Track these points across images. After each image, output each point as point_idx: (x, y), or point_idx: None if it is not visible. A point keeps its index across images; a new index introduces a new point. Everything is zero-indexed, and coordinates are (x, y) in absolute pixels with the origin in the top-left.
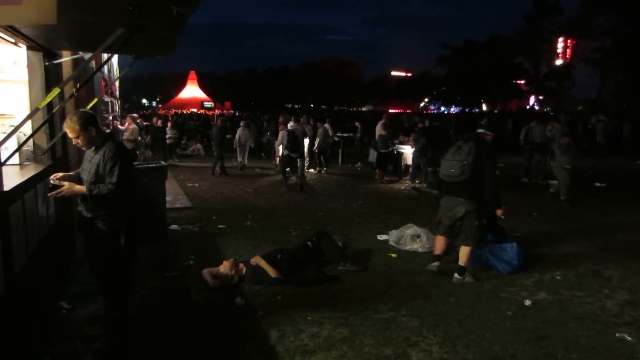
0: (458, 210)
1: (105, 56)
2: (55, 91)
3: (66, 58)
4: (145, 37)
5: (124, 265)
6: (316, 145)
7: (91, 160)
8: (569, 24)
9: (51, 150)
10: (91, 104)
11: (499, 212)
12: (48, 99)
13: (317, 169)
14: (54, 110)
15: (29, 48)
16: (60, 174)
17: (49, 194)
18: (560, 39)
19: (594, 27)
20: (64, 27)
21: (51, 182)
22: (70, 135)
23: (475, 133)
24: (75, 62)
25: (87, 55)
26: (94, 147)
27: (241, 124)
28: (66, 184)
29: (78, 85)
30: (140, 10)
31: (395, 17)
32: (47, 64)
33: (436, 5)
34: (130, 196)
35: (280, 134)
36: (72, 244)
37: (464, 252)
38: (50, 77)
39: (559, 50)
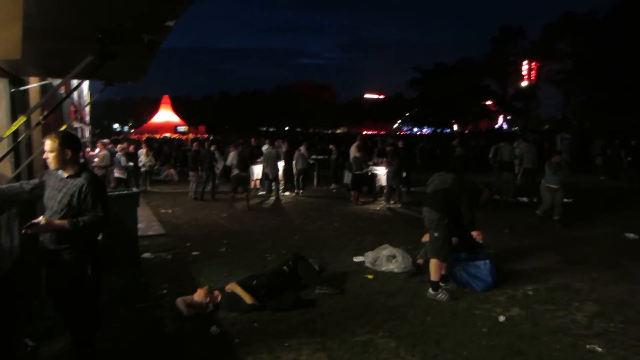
0: (425, 220)
1: (74, 82)
2: (22, 119)
3: (33, 85)
4: (116, 63)
5: (92, 297)
6: (295, 169)
7: (61, 189)
8: (533, 48)
9: (16, 180)
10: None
11: (474, 234)
12: (13, 128)
13: (295, 191)
14: (19, 139)
15: None
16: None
17: (23, 232)
18: (525, 62)
19: (556, 50)
20: (32, 54)
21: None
22: (46, 147)
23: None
24: (43, 89)
25: (56, 82)
26: (65, 175)
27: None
28: (42, 218)
29: (45, 113)
30: (111, 37)
31: (367, 42)
32: (12, 90)
33: (407, 30)
34: (106, 227)
35: (230, 154)
36: (38, 278)
37: (431, 265)
38: (17, 103)
39: (524, 72)
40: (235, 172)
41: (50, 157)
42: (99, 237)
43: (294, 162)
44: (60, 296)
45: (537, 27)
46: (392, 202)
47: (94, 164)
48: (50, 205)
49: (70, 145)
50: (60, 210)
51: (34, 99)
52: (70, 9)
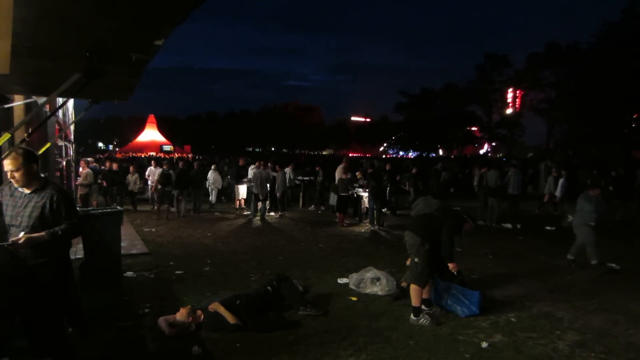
0: (406, 243)
1: (60, 100)
2: (5, 136)
3: (17, 102)
4: (103, 82)
5: (76, 306)
6: (277, 189)
7: (27, 204)
8: (517, 76)
9: None
10: (43, 149)
11: (451, 265)
12: None
13: (279, 213)
14: (2, 156)
15: None
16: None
17: (6, 246)
18: (510, 90)
19: (540, 79)
20: (18, 72)
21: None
22: (9, 167)
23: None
24: (28, 106)
25: (41, 100)
26: (29, 191)
27: (212, 167)
28: (22, 236)
29: (30, 130)
30: (99, 56)
31: (354, 65)
32: None
33: (394, 55)
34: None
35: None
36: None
37: (411, 290)
38: (1, 121)
39: (509, 100)
40: (160, 187)
41: (16, 175)
42: (79, 256)
43: (276, 184)
44: (39, 313)
45: (522, 55)
46: (376, 225)
47: (77, 182)
48: (17, 223)
49: (34, 160)
50: (31, 225)
51: (18, 116)
52: (57, 28)
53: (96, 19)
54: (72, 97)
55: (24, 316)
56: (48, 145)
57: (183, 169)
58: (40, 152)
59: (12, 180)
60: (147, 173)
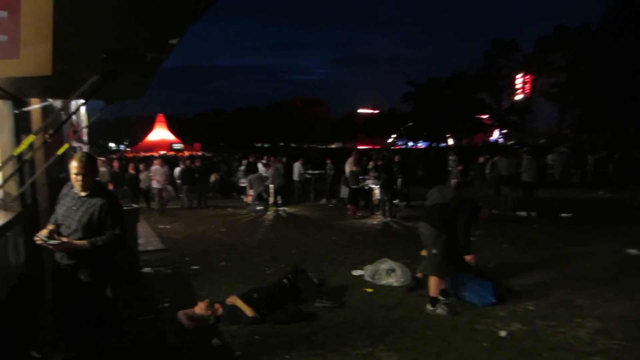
0: (421, 235)
1: (74, 103)
2: (31, 138)
3: (35, 106)
4: (117, 82)
5: (111, 311)
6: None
7: (79, 207)
8: (526, 61)
9: (21, 198)
10: (61, 150)
11: (467, 258)
12: (23, 146)
13: (281, 207)
14: (25, 158)
15: None
16: (45, 232)
17: (40, 243)
18: (519, 75)
19: (550, 63)
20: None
21: (37, 242)
22: (76, 171)
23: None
24: (45, 110)
25: (57, 102)
26: (83, 194)
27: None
28: (64, 239)
29: (50, 132)
30: (115, 57)
31: (359, 57)
32: (16, 112)
33: (398, 45)
34: (123, 245)
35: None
36: (42, 291)
37: (429, 281)
38: (19, 124)
39: (518, 86)
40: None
41: (81, 179)
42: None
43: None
44: (73, 310)
45: (530, 40)
46: (388, 216)
47: None
48: (67, 224)
49: (96, 166)
50: (80, 229)
51: (35, 119)
52: (74, 31)
53: (112, 20)
54: (89, 98)
55: (60, 310)
56: (66, 146)
57: (188, 166)
58: (59, 153)
59: (75, 182)
60: (151, 172)
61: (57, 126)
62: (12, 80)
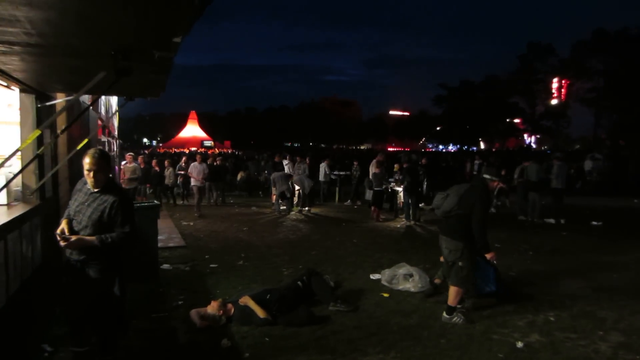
0: (443, 249)
1: (87, 98)
2: (36, 133)
3: (58, 100)
4: (133, 80)
5: (118, 308)
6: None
7: (90, 204)
8: (562, 65)
9: (40, 191)
10: (81, 145)
11: (488, 256)
12: (28, 141)
13: (305, 208)
14: (38, 151)
15: (21, 91)
16: (62, 227)
17: (60, 242)
18: (555, 80)
19: (587, 68)
20: (54, 70)
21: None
22: (88, 167)
23: (480, 178)
24: (69, 104)
25: (82, 97)
26: (95, 190)
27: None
28: (74, 237)
29: (66, 127)
30: (123, 54)
31: (391, 59)
32: (39, 105)
33: (431, 47)
34: (132, 244)
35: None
36: (59, 285)
37: (451, 291)
38: (43, 118)
39: (554, 90)
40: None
41: (93, 175)
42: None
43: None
44: (82, 306)
45: (565, 44)
46: (412, 220)
47: (125, 177)
48: (79, 220)
49: (109, 162)
50: (90, 226)
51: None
52: (82, 28)
53: (113, 16)
54: (103, 94)
55: (68, 304)
56: (86, 141)
57: (211, 164)
58: (79, 147)
59: (87, 178)
60: (189, 169)
61: (77, 120)
62: (33, 74)
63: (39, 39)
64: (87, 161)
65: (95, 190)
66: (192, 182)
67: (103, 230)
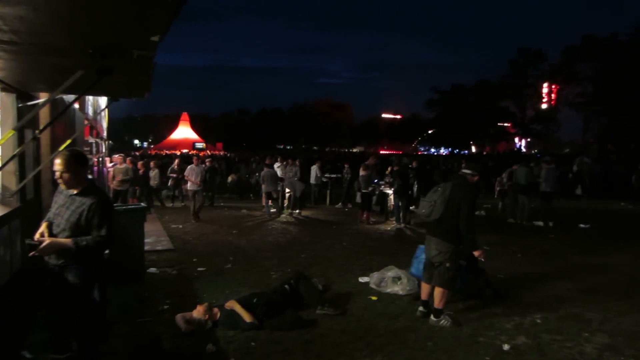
0: (431, 250)
1: (88, 98)
2: (9, 133)
3: (40, 100)
4: (115, 79)
5: (96, 314)
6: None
7: (69, 206)
8: (552, 70)
9: (21, 192)
10: (64, 145)
11: (476, 253)
12: (2, 141)
13: (296, 210)
14: (14, 152)
15: (1, 90)
16: (41, 231)
17: (30, 255)
18: (545, 84)
19: (576, 73)
20: (33, 69)
21: (26, 241)
22: (58, 168)
23: (458, 174)
24: (53, 104)
25: (67, 97)
26: (74, 192)
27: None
28: (47, 239)
29: (44, 127)
30: (101, 53)
31: (385, 62)
32: (20, 105)
33: (424, 51)
34: (109, 247)
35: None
36: (41, 290)
37: (436, 293)
38: (24, 118)
39: (544, 95)
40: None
41: (64, 177)
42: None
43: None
44: (62, 311)
45: (556, 49)
46: (402, 223)
47: (117, 179)
48: (57, 222)
49: (83, 163)
50: (68, 229)
51: (43, 113)
52: (56, 25)
53: (88, 14)
54: (84, 94)
55: (47, 310)
56: (69, 141)
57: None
58: (61, 148)
59: (59, 180)
60: (186, 172)
61: (64, 120)
62: (11, 73)
63: (13, 36)
64: (57, 162)
65: (74, 192)
66: (189, 185)
67: (81, 234)
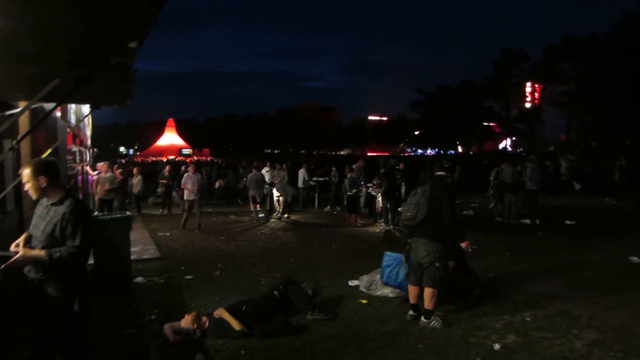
0: (420, 251)
1: (73, 107)
2: None
3: (17, 109)
4: (95, 87)
5: (78, 330)
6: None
7: (44, 217)
8: (535, 70)
9: (1, 204)
10: (45, 154)
11: (463, 244)
12: None
13: (284, 215)
14: None
15: None
16: (17, 243)
17: (1, 267)
18: (528, 84)
19: (558, 72)
20: (8, 77)
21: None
22: (23, 179)
23: (433, 176)
24: (34, 112)
25: (48, 105)
26: (50, 203)
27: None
28: (20, 250)
29: (21, 137)
30: (78, 60)
31: (370, 65)
32: None
33: (408, 53)
34: (87, 258)
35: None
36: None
37: (427, 294)
38: (1, 127)
39: (527, 94)
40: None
41: (27, 187)
42: (90, 262)
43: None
44: (42, 326)
45: (539, 49)
46: (391, 224)
47: (105, 187)
48: (35, 234)
49: (43, 172)
50: (43, 240)
51: (22, 122)
52: (32, 34)
53: (61, 21)
54: (63, 102)
55: (29, 325)
56: (49, 151)
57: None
58: (43, 157)
59: (28, 190)
60: (182, 180)
61: (45, 130)
62: None
63: None
64: (23, 172)
65: (50, 202)
66: (186, 194)
67: (56, 245)
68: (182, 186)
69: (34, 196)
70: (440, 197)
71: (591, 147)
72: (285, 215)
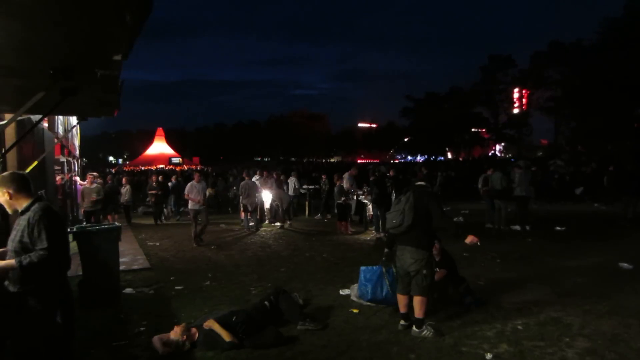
0: (406, 259)
1: (60, 119)
2: None
3: (1, 122)
4: (82, 99)
5: (61, 345)
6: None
7: (16, 227)
8: (522, 76)
9: None
10: (32, 166)
11: (468, 240)
12: None
13: (276, 223)
14: None
15: None
16: None
17: None
18: (516, 89)
19: (545, 78)
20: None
21: None
22: None
23: (416, 185)
24: (20, 124)
25: (35, 117)
26: (20, 212)
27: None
28: None
29: (7, 149)
30: (63, 73)
31: (358, 72)
32: None
33: (399, 60)
34: (65, 264)
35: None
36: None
37: (416, 302)
38: None
39: (515, 100)
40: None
41: (2, 202)
42: (78, 273)
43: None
44: (23, 343)
45: (525, 55)
46: (382, 232)
47: (92, 199)
48: (10, 246)
49: (5, 185)
50: (13, 249)
51: (9, 134)
52: (14, 48)
53: (46, 38)
54: (49, 114)
55: (14, 339)
56: (35, 163)
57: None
58: (27, 170)
59: None
60: (186, 190)
61: (33, 141)
62: None
63: None
64: None
65: (20, 211)
66: (190, 205)
67: (28, 252)
68: (185, 196)
69: (9, 210)
70: (427, 202)
71: (580, 152)
72: (289, 223)
